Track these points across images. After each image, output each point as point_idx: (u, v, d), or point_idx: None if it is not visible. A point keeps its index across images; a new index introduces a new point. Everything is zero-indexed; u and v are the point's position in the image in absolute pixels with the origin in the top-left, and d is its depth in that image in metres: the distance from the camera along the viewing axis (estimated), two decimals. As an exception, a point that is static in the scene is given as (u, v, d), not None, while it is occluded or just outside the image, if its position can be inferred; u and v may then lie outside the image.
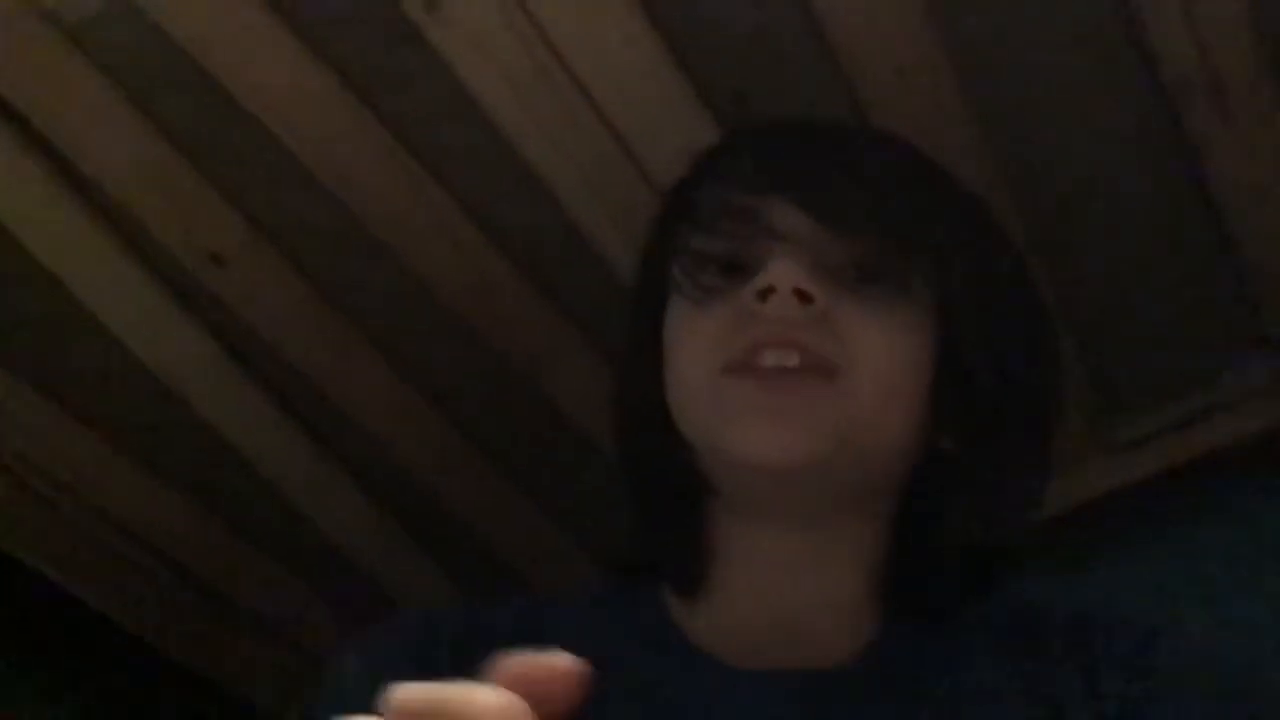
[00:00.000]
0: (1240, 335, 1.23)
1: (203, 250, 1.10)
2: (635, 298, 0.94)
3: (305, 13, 0.99)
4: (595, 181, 1.07)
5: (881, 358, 0.83)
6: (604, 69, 1.02)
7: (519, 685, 0.45)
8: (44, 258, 1.09)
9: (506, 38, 1.00)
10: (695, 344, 0.85)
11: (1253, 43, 1.03)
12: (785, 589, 0.86)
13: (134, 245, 1.10)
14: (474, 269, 1.12)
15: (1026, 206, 1.11)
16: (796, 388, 0.81)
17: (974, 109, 1.06)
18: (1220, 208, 1.13)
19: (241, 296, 1.13)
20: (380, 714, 0.45)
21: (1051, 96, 1.06)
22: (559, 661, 0.46)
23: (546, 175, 1.08)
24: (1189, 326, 1.21)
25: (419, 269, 1.12)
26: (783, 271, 0.82)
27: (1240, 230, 1.14)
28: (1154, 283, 1.18)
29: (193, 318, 1.14)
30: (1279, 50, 1.05)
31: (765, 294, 0.82)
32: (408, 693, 0.45)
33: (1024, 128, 1.08)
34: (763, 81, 1.04)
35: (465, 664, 0.83)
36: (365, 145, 1.05)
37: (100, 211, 1.08)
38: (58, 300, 1.11)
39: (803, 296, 0.81)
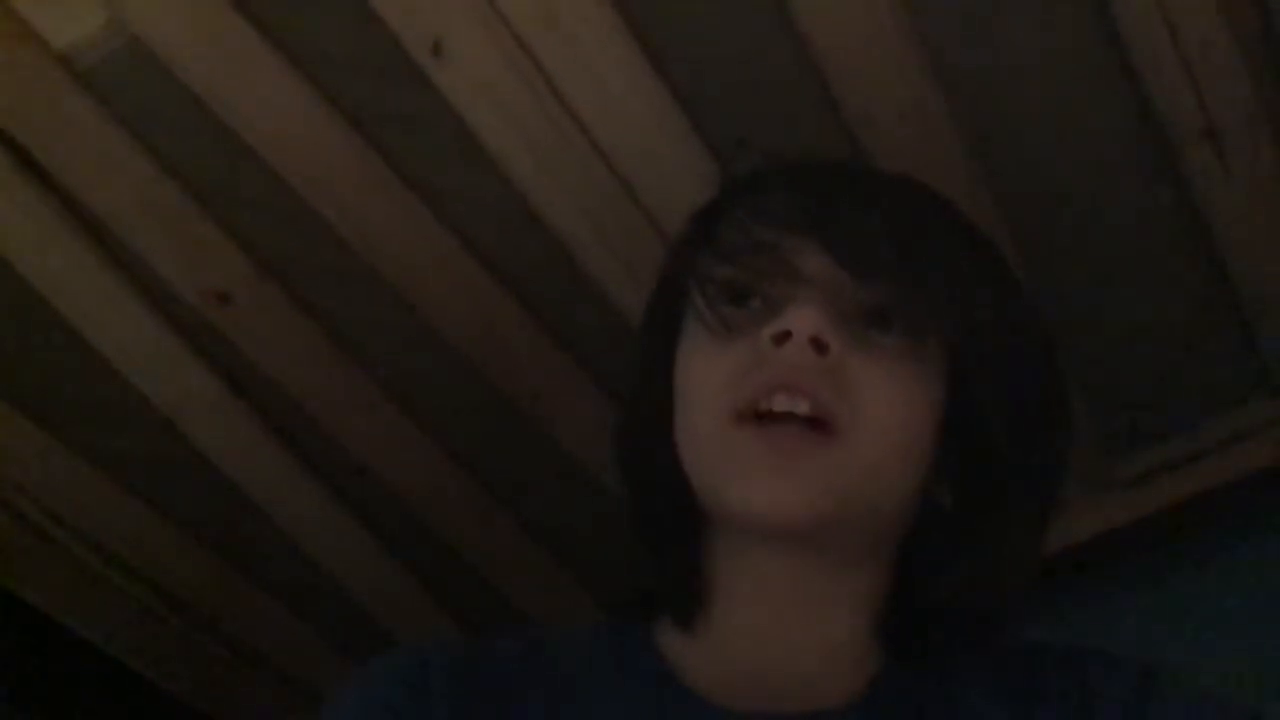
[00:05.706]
0: (1239, 373, 1.23)
1: (209, 289, 1.11)
2: (648, 321, 0.93)
3: (313, 57, 1.00)
4: (599, 223, 1.08)
5: (888, 415, 0.82)
6: (608, 113, 1.03)
7: None
8: (51, 296, 1.10)
9: (511, 82, 1.01)
10: (708, 383, 0.84)
11: (1250, 90, 1.04)
12: (782, 627, 0.85)
13: (141, 284, 1.11)
14: (479, 309, 1.13)
15: (1026, 249, 1.11)
16: (799, 448, 0.80)
17: (974, 154, 1.07)
18: (1219, 249, 1.14)
19: (247, 335, 1.14)
20: None
21: (1051, 143, 1.07)
22: None
23: (550, 217, 1.09)
24: (1188, 365, 1.22)
25: (424, 308, 1.13)
26: (802, 318, 0.81)
27: (1239, 270, 1.15)
28: (1154, 322, 1.19)
29: (198, 356, 1.15)
30: (1275, 97, 1.06)
31: (781, 338, 0.81)
32: None
33: (1023, 172, 1.09)
34: (764, 127, 1.05)
35: (461, 700, 0.85)
36: (371, 186, 1.06)
37: (108, 251, 1.09)
38: (64, 337, 1.12)
39: (819, 346, 0.81)
